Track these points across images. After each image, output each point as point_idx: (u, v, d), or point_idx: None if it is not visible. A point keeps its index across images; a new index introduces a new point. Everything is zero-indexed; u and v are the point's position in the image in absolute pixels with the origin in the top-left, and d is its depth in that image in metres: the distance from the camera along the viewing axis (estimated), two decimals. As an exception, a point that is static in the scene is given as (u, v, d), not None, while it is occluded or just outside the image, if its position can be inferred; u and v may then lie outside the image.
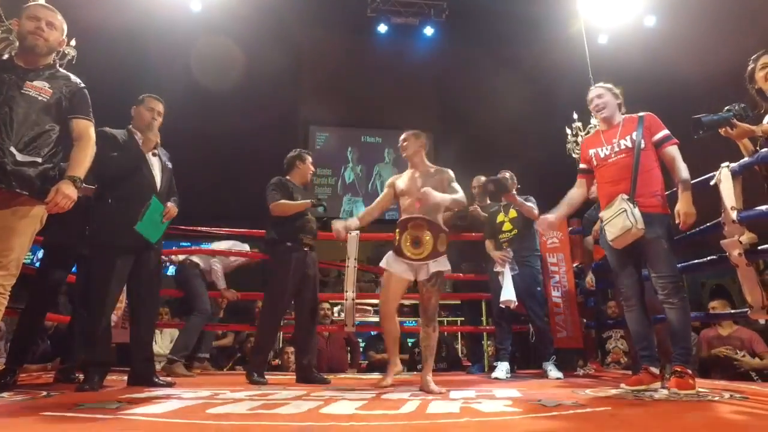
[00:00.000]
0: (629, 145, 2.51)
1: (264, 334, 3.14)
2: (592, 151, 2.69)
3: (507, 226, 3.73)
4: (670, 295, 2.36)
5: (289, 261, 3.07)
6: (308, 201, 3.13)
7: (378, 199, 2.94)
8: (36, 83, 2.07)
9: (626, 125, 2.59)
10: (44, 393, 2.28)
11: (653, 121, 2.56)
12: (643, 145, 2.48)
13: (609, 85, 2.74)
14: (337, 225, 2.75)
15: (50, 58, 2.19)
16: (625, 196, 2.40)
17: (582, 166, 2.80)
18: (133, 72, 8.33)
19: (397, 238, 2.69)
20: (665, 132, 2.52)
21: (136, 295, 2.69)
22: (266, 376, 3.04)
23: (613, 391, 2.33)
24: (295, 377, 3.21)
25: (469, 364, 4.56)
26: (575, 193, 2.81)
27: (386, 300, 2.76)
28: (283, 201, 3.11)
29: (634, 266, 2.56)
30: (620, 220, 2.37)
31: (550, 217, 2.81)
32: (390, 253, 2.75)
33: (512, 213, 3.73)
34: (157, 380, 2.67)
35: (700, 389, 2.25)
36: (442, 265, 2.65)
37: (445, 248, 2.68)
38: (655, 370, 2.50)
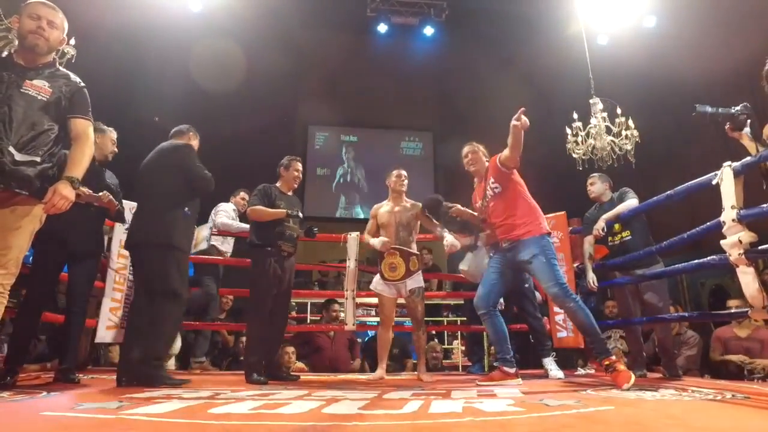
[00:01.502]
0: (491, 193, 2.94)
1: (253, 335, 3.16)
2: (477, 204, 3.14)
3: None
4: (563, 301, 2.67)
5: (268, 264, 3.14)
6: (283, 211, 3.20)
7: (368, 229, 3.62)
8: (35, 82, 2.05)
9: (484, 176, 3.01)
10: (44, 393, 2.26)
11: (493, 162, 2.93)
12: (499, 189, 2.90)
13: (478, 145, 3.20)
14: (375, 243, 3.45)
15: (50, 57, 2.17)
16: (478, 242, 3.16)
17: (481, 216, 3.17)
18: (132, 72, 8.32)
19: (379, 264, 3.42)
20: (500, 156, 2.86)
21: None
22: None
23: (616, 391, 2.32)
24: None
25: (470, 363, 4.56)
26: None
27: (383, 314, 3.46)
28: (259, 207, 3.21)
29: (496, 280, 2.92)
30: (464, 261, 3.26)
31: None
32: (377, 276, 3.46)
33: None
34: (167, 379, 2.69)
35: (705, 389, 2.25)
36: (417, 282, 3.36)
37: (417, 267, 3.37)
38: (510, 370, 2.86)
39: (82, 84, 2.21)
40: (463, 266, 3.51)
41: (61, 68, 2.22)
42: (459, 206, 3.62)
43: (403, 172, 3.54)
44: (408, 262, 3.33)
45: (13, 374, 2.58)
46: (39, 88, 2.05)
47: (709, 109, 2.38)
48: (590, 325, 2.60)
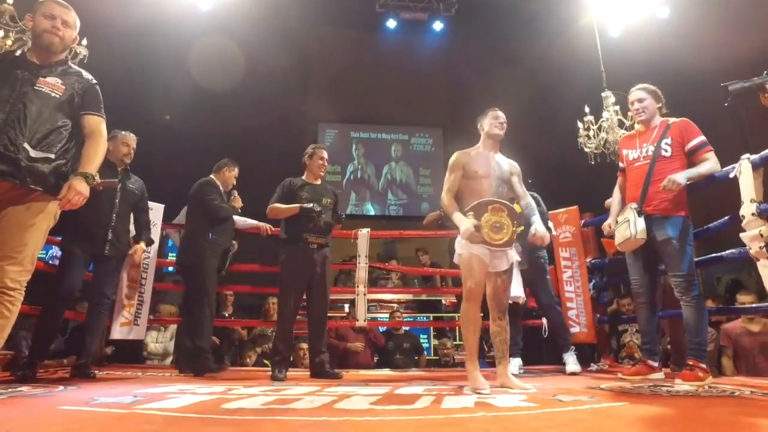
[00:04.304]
0: (654, 150, 2.65)
1: (278, 331, 3.19)
2: (624, 152, 2.85)
3: None
4: (683, 293, 2.53)
5: (292, 259, 3.15)
6: (296, 206, 3.18)
7: (450, 186, 2.56)
8: (49, 79, 2.07)
9: (660, 131, 2.70)
10: (61, 387, 2.30)
11: (687, 129, 2.65)
12: (668, 153, 2.62)
13: (652, 88, 2.80)
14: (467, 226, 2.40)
15: (63, 55, 2.19)
16: (634, 205, 2.63)
17: (620, 164, 2.94)
18: (141, 70, 8.38)
19: (472, 221, 2.39)
20: (700, 139, 2.60)
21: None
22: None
23: (630, 386, 2.30)
24: (309, 373, 3.25)
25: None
26: (618, 192, 2.97)
27: (473, 283, 2.40)
28: (275, 205, 3.24)
29: (645, 266, 2.74)
30: (623, 228, 2.63)
31: (609, 227, 2.94)
32: (463, 239, 2.43)
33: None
34: (213, 366, 3.26)
35: (722, 385, 2.22)
36: (516, 254, 2.55)
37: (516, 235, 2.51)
38: (653, 363, 2.72)
39: (94, 81, 2.23)
40: (515, 293, 3.33)
41: (73, 65, 2.24)
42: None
43: (501, 114, 2.66)
44: (514, 225, 2.46)
45: (33, 368, 2.65)
46: (53, 85, 2.07)
47: (744, 84, 2.32)
48: (698, 326, 2.51)
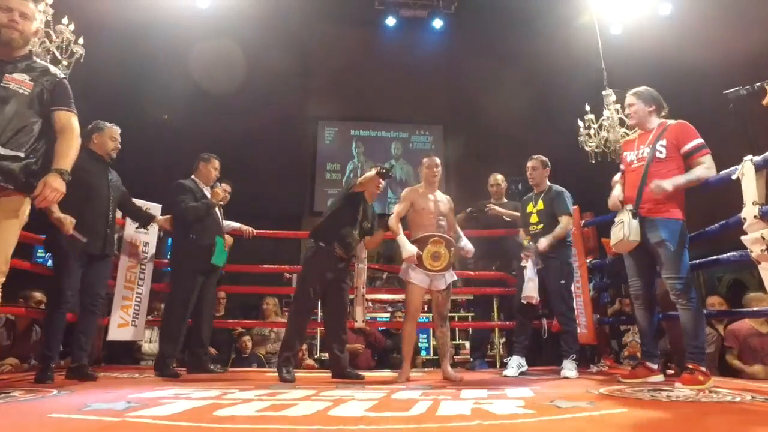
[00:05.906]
0: (650, 153, 2.64)
1: (290, 331, 3.15)
2: (625, 154, 2.86)
3: (534, 218, 3.56)
4: (679, 296, 2.51)
5: (319, 259, 3.15)
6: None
7: (398, 213, 3.18)
8: (15, 76, 1.99)
9: (656, 133, 2.68)
10: (54, 391, 2.28)
11: (682, 131, 2.62)
12: (663, 155, 2.60)
13: (645, 91, 2.79)
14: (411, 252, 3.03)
15: (26, 49, 2.11)
16: (630, 207, 2.63)
17: (621, 167, 2.93)
18: (139, 69, 8.37)
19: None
20: (696, 142, 2.56)
21: (202, 303, 3.46)
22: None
23: (629, 391, 2.27)
24: (307, 373, 3.25)
25: (471, 359, 4.51)
26: (618, 191, 2.89)
27: (412, 307, 3.12)
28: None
29: (642, 267, 2.74)
30: (617, 230, 2.65)
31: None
32: (408, 265, 3.08)
33: (540, 204, 3.56)
34: (212, 368, 3.48)
35: (723, 390, 2.19)
36: (453, 276, 3.18)
37: (453, 260, 3.16)
38: (653, 365, 2.72)
39: (63, 75, 2.16)
40: (527, 293, 3.35)
41: (38, 60, 2.16)
42: (495, 207, 3.49)
43: (436, 160, 3.28)
44: (451, 255, 3.10)
45: (51, 371, 2.71)
46: (20, 81, 1.99)
47: (741, 91, 2.31)
48: (696, 329, 2.48)
